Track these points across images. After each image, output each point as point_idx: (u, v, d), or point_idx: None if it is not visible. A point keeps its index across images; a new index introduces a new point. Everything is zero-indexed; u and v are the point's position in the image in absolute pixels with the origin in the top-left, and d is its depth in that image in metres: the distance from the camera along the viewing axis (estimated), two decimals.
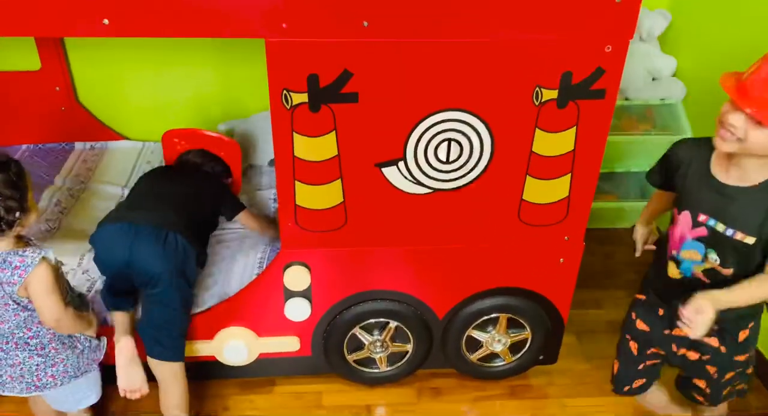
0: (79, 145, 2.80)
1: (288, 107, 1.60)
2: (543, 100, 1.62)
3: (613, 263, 2.68)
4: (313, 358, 2.07)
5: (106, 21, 1.45)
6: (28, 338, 1.55)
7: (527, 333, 2.08)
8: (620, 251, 2.66)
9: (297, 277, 1.87)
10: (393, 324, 2.00)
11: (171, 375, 1.84)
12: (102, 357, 1.72)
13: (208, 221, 2.14)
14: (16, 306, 1.49)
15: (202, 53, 2.71)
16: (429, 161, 1.72)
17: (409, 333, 2.03)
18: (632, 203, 2.70)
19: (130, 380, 1.80)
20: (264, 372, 2.11)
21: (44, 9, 1.43)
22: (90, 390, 1.72)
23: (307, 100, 1.59)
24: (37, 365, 1.57)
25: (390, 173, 1.73)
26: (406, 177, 1.74)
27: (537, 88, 1.60)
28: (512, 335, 2.08)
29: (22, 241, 1.51)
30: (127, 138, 2.84)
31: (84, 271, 2.05)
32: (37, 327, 1.55)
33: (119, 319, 1.83)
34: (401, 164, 1.72)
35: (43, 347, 1.57)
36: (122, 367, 1.80)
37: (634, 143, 2.63)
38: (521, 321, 2.04)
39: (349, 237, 1.82)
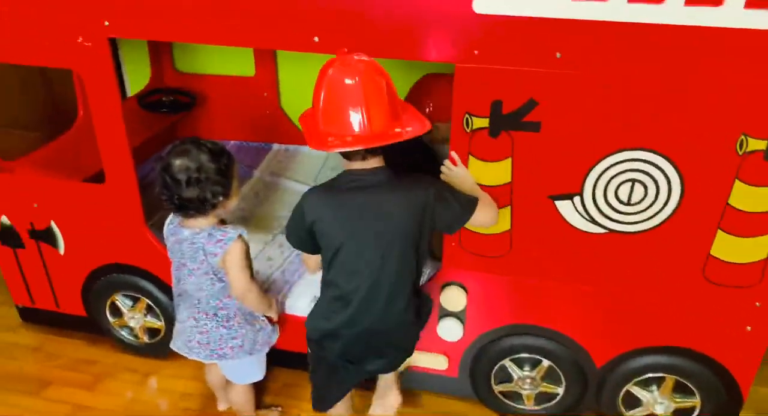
0: (276, 146, 3.09)
1: (468, 130, 1.63)
2: (748, 149, 1.47)
3: None
4: (459, 380, 2.06)
5: (316, 39, 1.60)
6: (218, 309, 1.74)
7: (696, 401, 1.88)
8: None
9: (454, 297, 1.88)
10: (546, 362, 1.93)
11: None
12: (275, 341, 1.88)
13: None
14: (213, 277, 1.69)
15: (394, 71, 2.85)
16: (608, 200, 1.64)
17: (561, 375, 1.94)
18: None
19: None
20: (410, 383, 2.15)
21: (264, 24, 1.62)
22: (258, 369, 1.90)
23: (487, 125, 1.60)
24: (221, 336, 1.76)
25: (563, 206, 1.68)
26: (580, 213, 1.67)
27: (742, 136, 1.46)
28: (678, 400, 1.89)
29: (222, 222, 1.72)
30: None
31: (267, 258, 2.26)
32: (227, 300, 1.74)
33: None
34: (577, 199, 1.66)
35: (228, 320, 1.75)
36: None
37: None
38: (691, 386, 1.85)
39: (512, 266, 1.79)
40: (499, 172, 1.66)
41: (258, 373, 1.91)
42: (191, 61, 3.06)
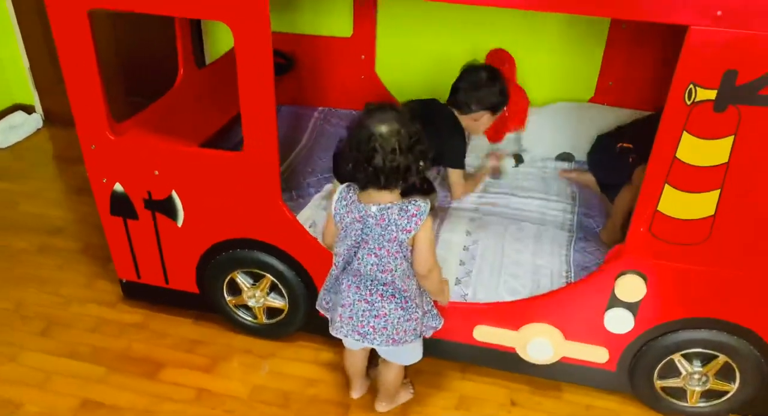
0: None
1: (688, 103, 1.44)
2: None
3: None
4: (615, 374, 1.91)
5: None
6: (400, 290, 1.58)
7: None
8: None
9: (632, 287, 1.72)
10: (722, 358, 1.78)
11: None
12: (440, 326, 1.73)
13: None
14: (400, 256, 1.53)
15: (505, 39, 2.65)
16: None
17: (737, 372, 1.79)
18: None
19: None
20: (554, 374, 2.00)
21: None
22: (420, 350, 1.75)
23: (714, 97, 1.41)
24: (399, 318, 1.60)
25: None
26: None
27: None
28: None
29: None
30: None
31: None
32: (409, 280, 1.58)
33: None
34: None
35: (406, 301, 1.60)
36: None
37: None
38: None
39: (706, 255, 1.62)
40: (718, 151, 1.48)
41: (420, 354, 1.76)
42: (282, 19, 2.83)
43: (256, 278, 2.05)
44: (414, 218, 1.49)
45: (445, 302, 1.75)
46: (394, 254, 1.53)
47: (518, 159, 2.53)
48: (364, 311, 1.61)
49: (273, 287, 2.04)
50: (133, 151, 1.91)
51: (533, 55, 2.66)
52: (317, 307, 1.77)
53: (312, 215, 2.17)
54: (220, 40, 3.04)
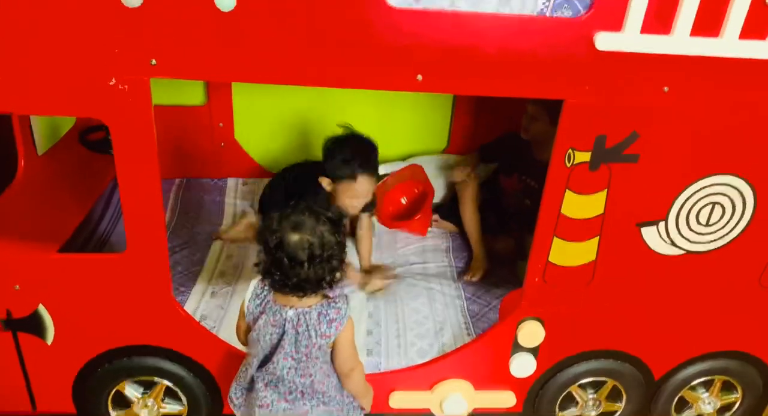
0: (231, 181, 2.79)
1: (568, 165, 1.59)
2: None
3: None
4: (522, 414, 2.02)
5: (419, 77, 1.45)
6: (320, 391, 1.51)
7: (737, 397, 2.05)
8: None
9: (532, 333, 1.84)
10: (610, 382, 1.97)
11: None
12: None
13: None
14: (319, 359, 1.46)
15: (361, 97, 2.72)
16: (689, 223, 1.71)
17: (624, 392, 2.00)
18: None
19: None
20: None
21: (359, 63, 1.43)
22: None
23: (589, 159, 1.59)
24: (321, 414, 1.53)
25: (648, 233, 1.72)
26: (662, 238, 1.73)
27: None
28: (723, 397, 2.04)
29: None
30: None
31: None
32: (328, 381, 1.51)
33: None
34: (661, 224, 1.71)
35: (327, 396, 1.53)
36: None
37: None
38: (736, 384, 2.01)
39: (591, 295, 1.80)
40: (594, 204, 1.66)
41: None
42: None
43: (147, 386, 1.85)
44: (334, 323, 1.43)
45: (367, 407, 1.66)
46: (313, 360, 1.46)
47: None
48: (284, 410, 1.52)
49: (168, 392, 1.86)
50: None
51: (387, 113, 2.76)
52: (228, 401, 1.65)
53: (200, 308, 2.03)
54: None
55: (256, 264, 1.43)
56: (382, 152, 2.82)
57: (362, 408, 1.64)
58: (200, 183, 2.72)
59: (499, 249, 2.43)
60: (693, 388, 2.01)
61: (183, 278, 2.19)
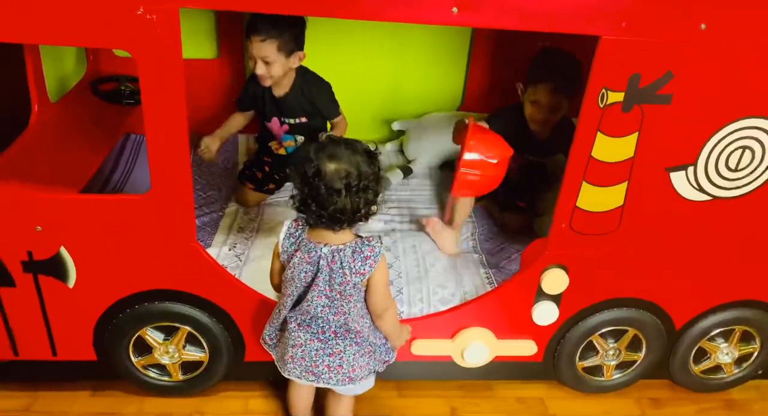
0: (242, 137, 2.75)
1: (601, 106, 1.57)
2: None
3: None
4: (542, 364, 2.03)
5: (455, 10, 1.42)
6: (353, 330, 1.50)
7: (755, 347, 2.06)
8: None
9: (556, 280, 1.83)
10: (631, 331, 1.97)
11: None
12: (393, 359, 1.67)
13: None
14: (354, 298, 1.45)
15: (376, 52, 2.68)
16: (718, 168, 1.70)
17: (644, 341, 2.00)
18: None
19: None
20: (485, 375, 2.06)
21: None
22: (372, 380, 1.68)
23: (622, 99, 1.57)
24: (354, 354, 1.52)
25: (677, 178, 1.70)
26: (690, 183, 1.71)
27: None
28: (741, 348, 2.05)
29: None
30: None
31: None
32: (362, 321, 1.50)
33: None
34: (690, 169, 1.69)
35: (360, 336, 1.52)
36: None
37: None
38: (755, 334, 2.02)
39: (617, 242, 1.79)
40: (625, 147, 1.64)
41: (372, 382, 1.69)
42: None
43: (168, 332, 1.83)
44: (368, 261, 1.42)
45: (398, 346, 1.67)
46: (347, 298, 1.45)
47: (407, 172, 2.57)
48: (317, 350, 1.52)
49: (189, 339, 1.84)
50: (5, 205, 1.60)
51: (401, 69, 2.72)
52: (261, 342, 1.64)
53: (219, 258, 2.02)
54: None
55: (292, 197, 1.41)
56: (396, 108, 2.83)
57: (394, 348, 1.64)
58: None
59: (510, 223, 2.38)
60: (712, 338, 2.02)
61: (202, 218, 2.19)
